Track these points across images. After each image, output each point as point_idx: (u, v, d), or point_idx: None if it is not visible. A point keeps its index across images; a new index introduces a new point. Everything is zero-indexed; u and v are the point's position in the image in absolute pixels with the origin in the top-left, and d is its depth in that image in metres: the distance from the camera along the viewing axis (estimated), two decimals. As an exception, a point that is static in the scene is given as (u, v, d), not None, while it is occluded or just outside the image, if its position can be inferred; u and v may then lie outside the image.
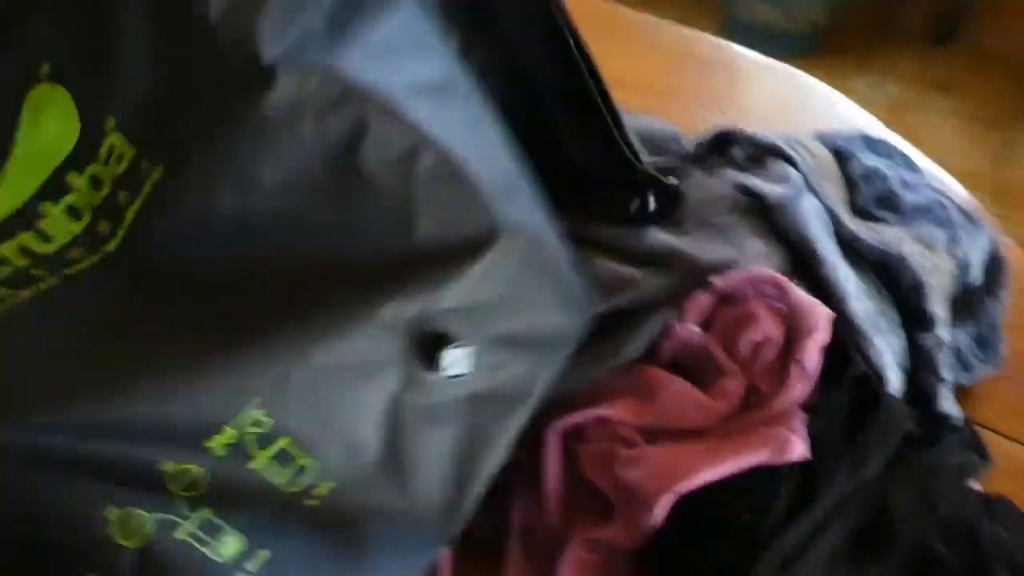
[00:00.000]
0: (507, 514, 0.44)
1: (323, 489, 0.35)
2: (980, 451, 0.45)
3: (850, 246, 0.48)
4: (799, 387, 0.42)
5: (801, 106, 0.73)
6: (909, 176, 0.55)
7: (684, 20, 0.81)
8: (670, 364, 0.44)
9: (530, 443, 0.42)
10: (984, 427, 0.50)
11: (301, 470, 0.34)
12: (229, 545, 0.34)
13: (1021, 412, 0.52)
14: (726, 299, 0.45)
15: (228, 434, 0.32)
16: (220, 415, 0.32)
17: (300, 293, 0.33)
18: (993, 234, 0.53)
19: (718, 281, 0.45)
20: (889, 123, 0.70)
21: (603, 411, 0.42)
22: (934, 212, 0.51)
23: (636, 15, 0.80)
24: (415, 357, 0.35)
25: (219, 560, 0.33)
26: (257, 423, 0.33)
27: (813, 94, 0.74)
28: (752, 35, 1.93)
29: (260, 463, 0.33)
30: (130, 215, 0.33)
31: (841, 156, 0.54)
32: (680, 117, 0.67)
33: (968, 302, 0.51)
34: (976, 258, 0.51)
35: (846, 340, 0.45)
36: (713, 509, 0.40)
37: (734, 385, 0.42)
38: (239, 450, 0.33)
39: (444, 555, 0.41)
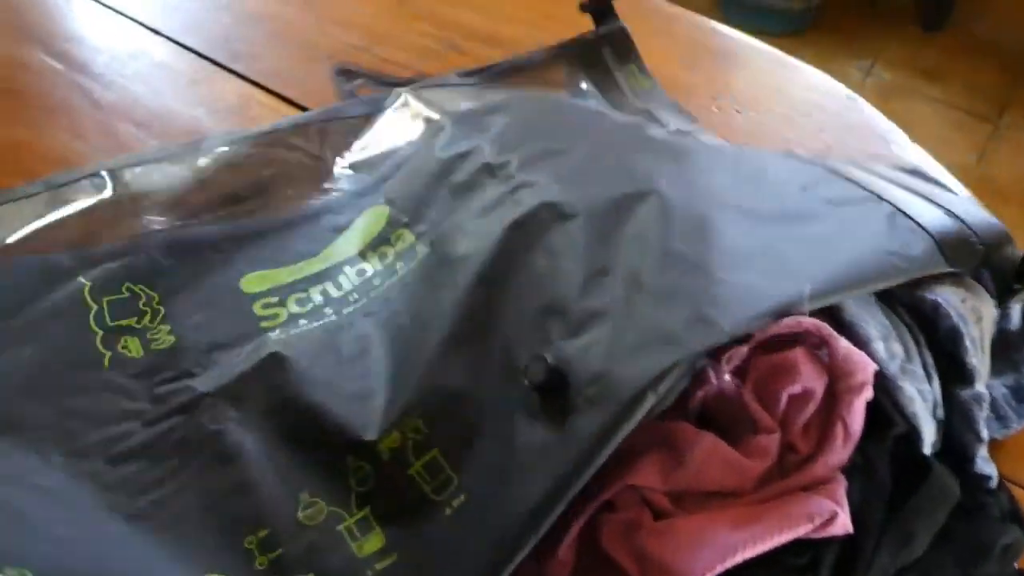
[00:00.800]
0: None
1: (458, 502, 0.40)
2: (1018, 519, 0.42)
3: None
4: (842, 449, 0.38)
5: (819, 108, 0.69)
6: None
7: (680, -2, 0.78)
8: (699, 415, 0.40)
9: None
10: (1011, 481, 0.47)
11: (448, 481, 0.40)
12: (371, 543, 0.40)
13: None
14: (763, 346, 0.41)
15: (394, 437, 0.42)
16: (393, 420, 0.42)
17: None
18: None
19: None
20: (879, 109, 0.68)
21: (633, 479, 0.38)
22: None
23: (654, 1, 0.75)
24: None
25: (358, 556, 0.40)
26: (417, 430, 0.42)
27: (830, 95, 0.70)
28: (743, 11, 1.88)
29: (415, 469, 0.41)
30: (398, 279, 0.50)
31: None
32: (696, 114, 0.64)
33: (1006, 348, 0.47)
34: (1015, 303, 0.47)
35: (876, 387, 0.41)
36: (744, 585, 0.36)
37: (770, 442, 0.38)
38: (400, 454, 0.42)
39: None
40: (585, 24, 0.69)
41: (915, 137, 0.64)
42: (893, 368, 0.41)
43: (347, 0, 0.74)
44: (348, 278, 0.51)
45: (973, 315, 0.43)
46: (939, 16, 1.99)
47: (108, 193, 0.55)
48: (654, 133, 0.54)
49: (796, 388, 0.39)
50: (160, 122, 0.63)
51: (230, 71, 0.67)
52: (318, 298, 0.50)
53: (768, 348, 0.41)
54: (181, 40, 0.70)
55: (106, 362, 0.46)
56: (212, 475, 0.43)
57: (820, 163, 0.51)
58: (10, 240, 0.52)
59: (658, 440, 0.40)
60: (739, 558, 0.35)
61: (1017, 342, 0.47)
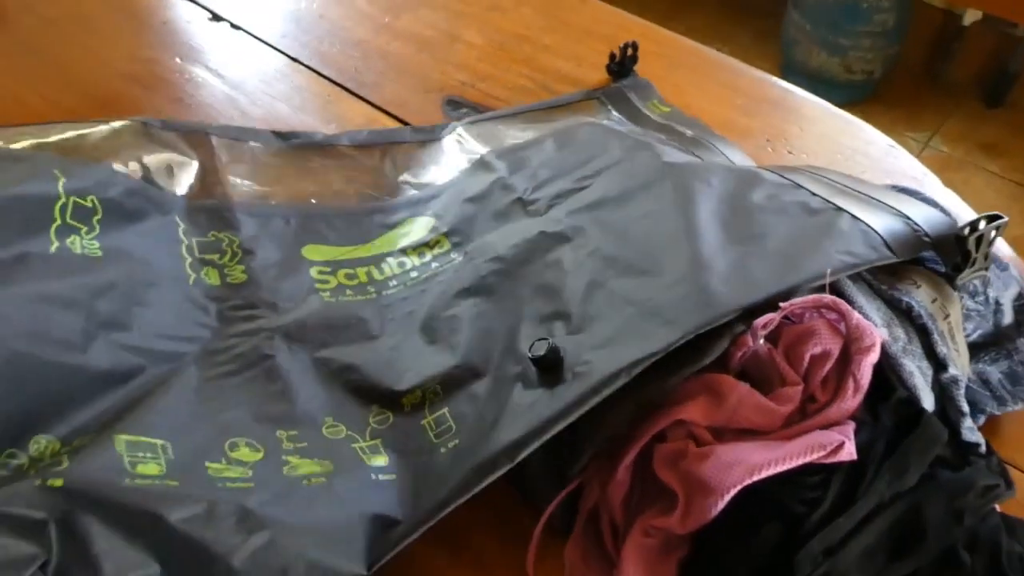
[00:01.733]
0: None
1: (453, 444, 0.49)
2: (1005, 479, 0.50)
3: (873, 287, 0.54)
4: (853, 399, 0.47)
5: (863, 154, 0.79)
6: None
7: (744, 61, 0.87)
8: (738, 372, 0.50)
9: (615, 441, 0.49)
10: (1010, 464, 0.55)
11: (448, 429, 0.50)
12: (378, 460, 0.50)
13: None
14: (790, 319, 0.50)
15: (416, 394, 0.52)
16: (418, 383, 0.52)
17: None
18: (1021, 278, 0.58)
19: (784, 303, 0.50)
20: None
21: (682, 414, 0.47)
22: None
23: (718, 56, 0.86)
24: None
25: (370, 464, 0.49)
26: (435, 392, 0.52)
27: (873, 144, 0.80)
28: (807, 79, 1.98)
29: (427, 419, 0.51)
30: (431, 273, 0.61)
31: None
32: (751, 154, 0.73)
33: (1000, 340, 0.56)
34: (1007, 300, 0.56)
35: (883, 363, 0.50)
36: (768, 498, 0.45)
37: (794, 392, 0.48)
38: (418, 408, 0.52)
39: (536, 534, 0.48)
40: (663, 73, 0.81)
41: (970, 208, 0.71)
42: (895, 348, 0.50)
43: (458, 44, 0.87)
44: (390, 266, 0.62)
45: (941, 312, 0.52)
46: (1000, 93, 2.06)
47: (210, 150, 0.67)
48: (665, 160, 0.63)
49: (817, 349, 0.48)
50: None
51: (358, 96, 0.80)
52: (363, 277, 0.61)
53: (795, 321, 0.50)
54: (318, 69, 0.83)
55: (191, 281, 0.57)
56: (259, 384, 0.52)
57: (800, 180, 0.60)
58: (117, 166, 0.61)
59: (703, 387, 0.49)
60: (763, 475, 0.44)
61: (1011, 334, 0.56)
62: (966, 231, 0.51)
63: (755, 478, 0.44)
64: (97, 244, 0.55)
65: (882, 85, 2.08)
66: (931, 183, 0.75)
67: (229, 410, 0.50)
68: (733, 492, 0.44)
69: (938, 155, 1.96)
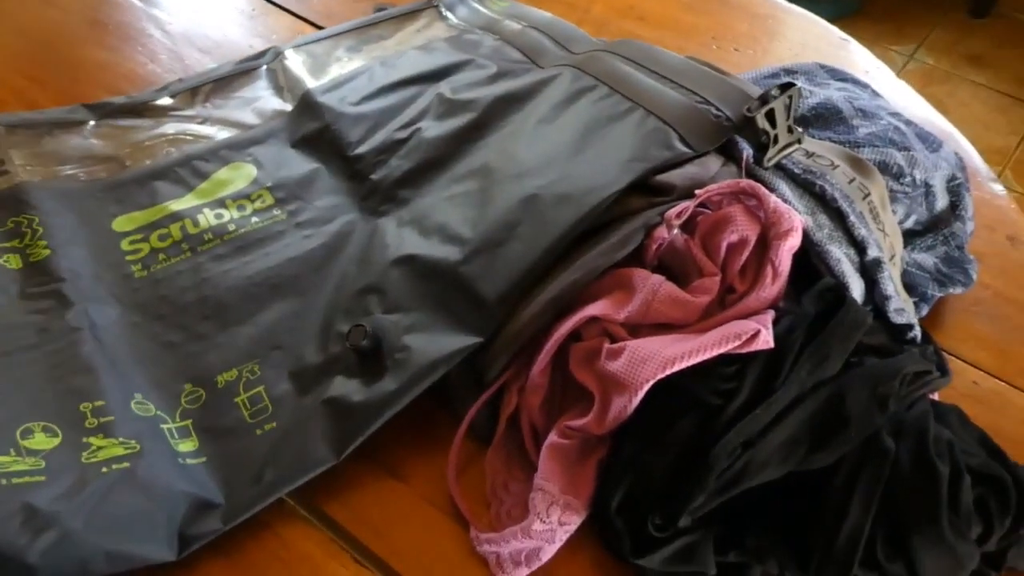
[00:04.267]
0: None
1: (269, 427, 0.49)
2: (941, 367, 0.48)
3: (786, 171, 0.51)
4: (772, 287, 0.44)
5: (813, 49, 0.75)
6: (868, 103, 0.56)
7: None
8: (656, 267, 0.47)
9: (532, 343, 0.47)
10: (952, 354, 0.53)
11: (264, 409, 0.49)
12: (186, 444, 0.48)
13: (987, 343, 0.55)
14: (706, 207, 0.48)
15: (232, 373, 0.51)
16: (235, 361, 0.51)
17: None
18: (955, 158, 0.55)
19: (700, 190, 0.47)
20: (919, 92, 0.71)
21: (592, 311, 0.45)
22: (890, 139, 0.53)
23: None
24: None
25: (177, 450, 0.47)
26: (252, 372, 0.51)
27: (842, 48, 0.76)
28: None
29: (241, 399, 0.50)
30: (251, 229, 0.58)
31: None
32: (696, 52, 0.69)
33: (937, 224, 0.54)
34: (938, 182, 0.53)
35: (808, 249, 0.47)
36: (682, 392, 0.43)
37: (711, 283, 0.45)
38: (233, 386, 0.50)
39: (456, 442, 0.47)
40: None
41: (956, 121, 0.68)
42: (820, 236, 0.48)
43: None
44: (206, 217, 0.58)
45: (859, 192, 0.49)
46: (986, 3, 2.00)
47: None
48: (484, 97, 0.61)
49: (733, 237, 0.45)
50: (221, 49, 0.72)
51: (283, 8, 0.77)
52: (177, 233, 0.57)
53: (711, 209, 0.48)
54: (241, -19, 0.79)
55: None
56: (62, 357, 0.49)
57: (597, 71, 0.59)
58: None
59: (615, 282, 0.47)
60: (676, 368, 0.42)
61: (946, 217, 0.53)
62: (754, 108, 0.49)
63: (668, 372, 0.42)
64: None
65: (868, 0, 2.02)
66: (882, 77, 0.71)
67: (25, 386, 0.47)
68: (646, 387, 0.42)
69: (923, 67, 1.91)
